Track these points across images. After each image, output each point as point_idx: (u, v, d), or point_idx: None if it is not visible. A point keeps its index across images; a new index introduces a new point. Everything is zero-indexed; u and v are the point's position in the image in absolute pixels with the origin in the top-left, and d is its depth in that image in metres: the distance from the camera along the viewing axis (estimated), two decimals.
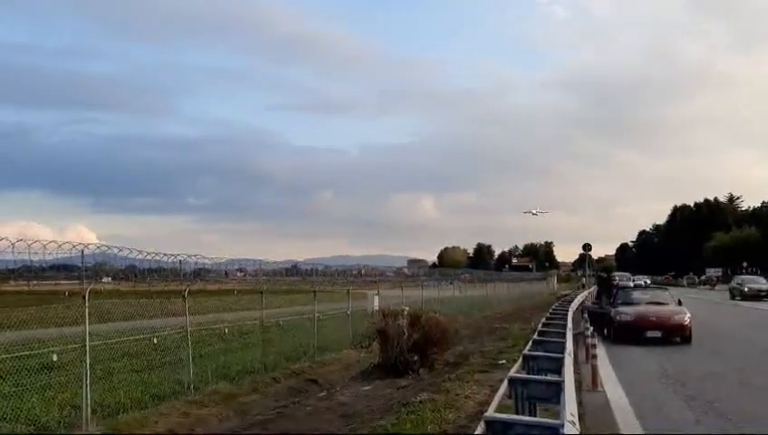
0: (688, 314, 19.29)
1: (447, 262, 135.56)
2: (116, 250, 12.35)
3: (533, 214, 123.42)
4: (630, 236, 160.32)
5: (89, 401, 9.96)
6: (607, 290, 26.35)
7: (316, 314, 18.44)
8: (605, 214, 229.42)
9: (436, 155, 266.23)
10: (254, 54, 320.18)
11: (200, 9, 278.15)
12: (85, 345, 10.24)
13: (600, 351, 14.28)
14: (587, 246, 62.88)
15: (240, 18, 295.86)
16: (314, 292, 19.57)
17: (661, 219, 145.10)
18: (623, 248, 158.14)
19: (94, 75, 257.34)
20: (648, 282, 57.60)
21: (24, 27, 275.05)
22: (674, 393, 11.23)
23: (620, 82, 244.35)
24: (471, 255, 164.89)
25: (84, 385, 9.98)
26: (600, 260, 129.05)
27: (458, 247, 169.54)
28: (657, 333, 18.64)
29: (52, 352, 12.73)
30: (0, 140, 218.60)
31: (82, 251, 11.60)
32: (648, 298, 21.84)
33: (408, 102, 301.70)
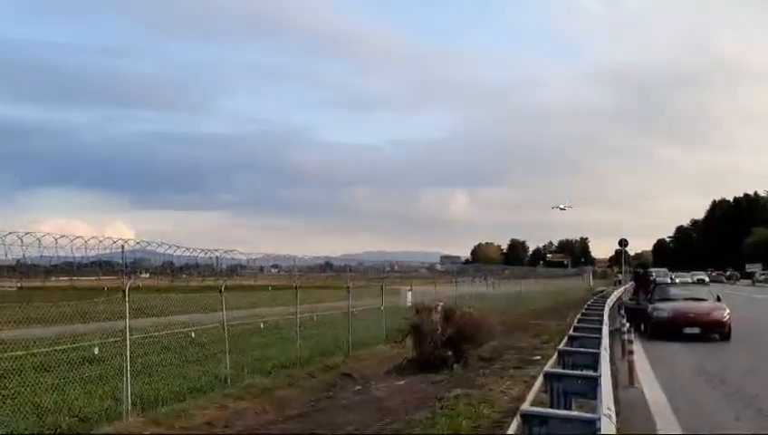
0: (727, 311, 18.96)
1: (481, 258, 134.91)
2: (155, 246, 12.59)
3: (561, 209, 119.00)
4: (668, 232, 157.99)
5: (129, 394, 10.18)
6: (644, 286, 26.04)
7: (350, 310, 18.56)
8: (642, 209, 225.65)
9: (469, 150, 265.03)
10: (290, 52, 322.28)
11: (238, 8, 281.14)
12: (125, 339, 10.47)
13: (637, 347, 14.10)
14: (623, 242, 62.09)
15: (276, 16, 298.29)
16: (348, 287, 19.69)
17: (699, 214, 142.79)
18: (660, 244, 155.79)
19: (135, 74, 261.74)
20: (707, 279, 55.06)
21: (68, 27, 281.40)
22: (712, 390, 11.07)
23: (657, 75, 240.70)
24: (505, 251, 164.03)
25: (125, 378, 10.20)
26: (637, 256, 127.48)
27: (492, 243, 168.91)
28: (696, 330, 18.36)
29: (94, 345, 13.04)
30: (43, 138, 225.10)
31: (122, 247, 11.87)
32: (686, 294, 21.51)
33: (441, 97, 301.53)
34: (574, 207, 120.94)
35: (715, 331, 18.43)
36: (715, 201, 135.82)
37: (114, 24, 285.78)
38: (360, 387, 13.28)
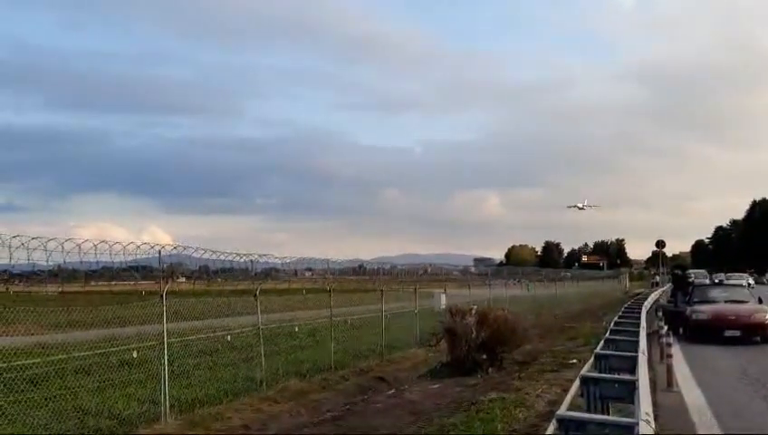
0: None
1: (515, 260, 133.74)
2: (191, 250, 12.80)
3: (580, 208, 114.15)
4: (706, 233, 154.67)
5: (167, 397, 10.34)
6: (682, 288, 25.54)
7: (384, 313, 18.58)
8: (679, 209, 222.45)
9: (502, 151, 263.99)
10: (321, 56, 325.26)
11: (269, 13, 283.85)
12: (163, 343, 10.63)
13: (676, 350, 13.85)
14: (660, 243, 60.96)
15: (307, 20, 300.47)
16: (381, 291, 19.72)
17: (739, 214, 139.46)
18: (698, 245, 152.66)
19: (169, 80, 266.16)
20: None
21: (104, 36, 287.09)
22: (754, 393, 10.82)
23: (693, 73, 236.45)
24: (539, 253, 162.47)
25: (162, 381, 10.36)
26: (675, 257, 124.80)
27: (526, 245, 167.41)
28: (736, 333, 17.95)
29: (132, 349, 13.25)
30: (81, 145, 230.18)
31: (159, 252, 12.08)
32: (726, 296, 21.05)
33: (472, 98, 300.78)
34: (595, 207, 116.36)
35: (756, 334, 17.99)
36: (755, 200, 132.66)
37: (148, 33, 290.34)
38: (393, 390, 13.29)
